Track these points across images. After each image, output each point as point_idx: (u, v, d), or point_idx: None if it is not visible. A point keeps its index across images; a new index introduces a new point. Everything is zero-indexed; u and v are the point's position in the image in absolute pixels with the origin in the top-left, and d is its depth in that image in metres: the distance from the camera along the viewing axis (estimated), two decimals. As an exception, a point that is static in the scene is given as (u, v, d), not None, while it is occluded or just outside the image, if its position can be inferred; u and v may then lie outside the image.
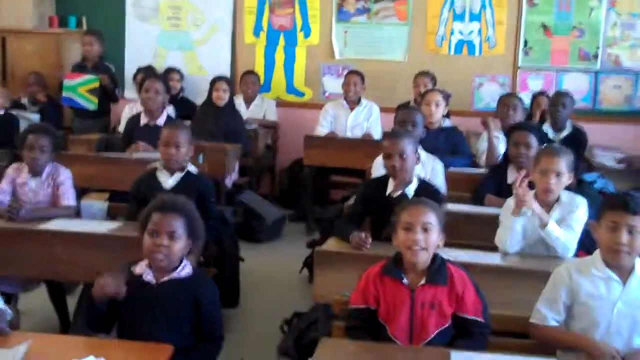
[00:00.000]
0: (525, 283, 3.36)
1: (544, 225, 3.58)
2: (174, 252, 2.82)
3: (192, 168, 4.31)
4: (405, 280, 2.83)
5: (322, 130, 6.67)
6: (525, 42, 7.24)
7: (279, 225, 6.36)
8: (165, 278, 2.85)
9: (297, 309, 4.27)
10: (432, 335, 2.79)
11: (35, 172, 4.23)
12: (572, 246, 3.61)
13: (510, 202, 3.77)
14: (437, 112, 5.61)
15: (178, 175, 4.23)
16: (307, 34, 7.60)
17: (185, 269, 2.88)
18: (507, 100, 5.99)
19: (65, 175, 4.28)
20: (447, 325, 2.81)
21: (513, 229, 3.64)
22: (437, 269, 2.83)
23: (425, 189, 3.93)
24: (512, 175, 4.47)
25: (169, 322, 2.80)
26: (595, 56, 7.17)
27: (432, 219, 2.83)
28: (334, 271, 3.59)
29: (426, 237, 2.80)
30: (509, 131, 4.71)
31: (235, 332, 4.26)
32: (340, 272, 3.53)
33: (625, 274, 2.80)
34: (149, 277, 2.85)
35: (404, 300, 2.81)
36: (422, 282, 2.82)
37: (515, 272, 3.49)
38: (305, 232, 6.24)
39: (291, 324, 4.19)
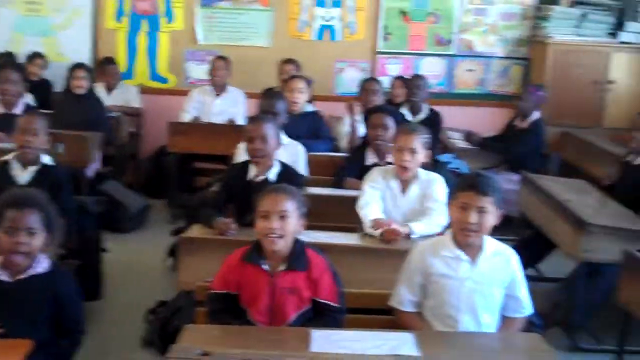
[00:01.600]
0: (383, 262, 3.51)
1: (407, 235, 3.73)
2: (34, 249, 2.78)
3: (46, 159, 4.22)
4: (265, 267, 2.88)
5: (186, 116, 6.64)
6: (385, 28, 7.43)
7: (143, 214, 6.29)
8: (21, 275, 2.80)
9: (163, 298, 4.27)
10: (292, 319, 2.86)
11: None
12: (442, 220, 3.72)
13: (375, 172, 3.96)
14: (300, 99, 5.72)
15: (32, 169, 4.13)
16: (170, 19, 7.51)
17: (42, 264, 2.84)
18: (367, 85, 6.18)
19: None
20: (305, 309, 2.88)
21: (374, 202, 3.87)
22: (297, 255, 2.90)
23: (287, 173, 4.02)
24: (371, 158, 4.63)
25: (27, 319, 2.76)
26: (450, 41, 7.47)
27: (289, 206, 2.87)
28: (198, 258, 3.61)
29: (283, 224, 2.84)
30: (368, 114, 4.85)
31: (98, 325, 4.20)
32: (204, 259, 3.55)
33: (474, 252, 2.94)
34: (2, 276, 2.79)
35: (263, 286, 2.86)
36: (282, 268, 2.88)
37: (373, 251, 3.63)
38: (170, 220, 6.20)
39: (155, 313, 4.19)
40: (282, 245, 2.87)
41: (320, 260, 2.93)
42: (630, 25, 7.00)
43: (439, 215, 3.76)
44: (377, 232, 3.72)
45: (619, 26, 7.05)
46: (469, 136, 6.48)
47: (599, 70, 7.02)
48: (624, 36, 7.02)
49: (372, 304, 3.16)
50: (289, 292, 2.86)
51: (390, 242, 3.66)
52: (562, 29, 7.04)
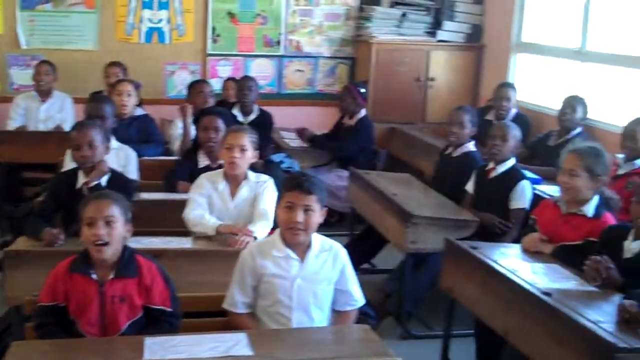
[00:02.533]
0: (216, 264, 3.55)
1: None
2: None
3: None
4: (93, 276, 2.85)
5: (12, 124, 6.40)
6: (214, 30, 7.46)
7: (-32, 228, 6.02)
8: None
9: (-7, 316, 4.11)
10: (124, 328, 2.85)
11: None
12: (271, 225, 3.83)
13: (202, 178, 3.97)
14: (129, 102, 5.65)
15: None
16: (-11, 23, 7.20)
17: None
18: (196, 87, 6.19)
19: None
20: (138, 317, 2.88)
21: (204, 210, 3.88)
22: (126, 262, 2.88)
23: (117, 180, 3.98)
24: (203, 161, 4.66)
25: None
26: (278, 42, 7.59)
27: (114, 212, 2.86)
28: (25, 271, 3.52)
29: (109, 230, 2.82)
30: (198, 116, 4.86)
31: None
32: (31, 272, 3.45)
33: (303, 251, 3.03)
34: None
35: (93, 296, 2.83)
36: (111, 276, 2.86)
37: (205, 254, 3.67)
38: (-2, 233, 5.96)
39: (-16, 331, 4.03)
40: (110, 253, 2.84)
41: (150, 266, 2.93)
42: (447, 25, 7.38)
43: (268, 219, 3.85)
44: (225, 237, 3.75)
45: (436, 25, 7.41)
46: (300, 133, 6.62)
47: (420, 68, 7.34)
48: (441, 35, 7.39)
49: (208, 307, 3.20)
50: (120, 300, 2.84)
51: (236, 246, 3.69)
52: (383, 29, 7.32)
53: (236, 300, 3.05)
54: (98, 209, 2.85)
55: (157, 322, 2.90)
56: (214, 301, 3.17)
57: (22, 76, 7.17)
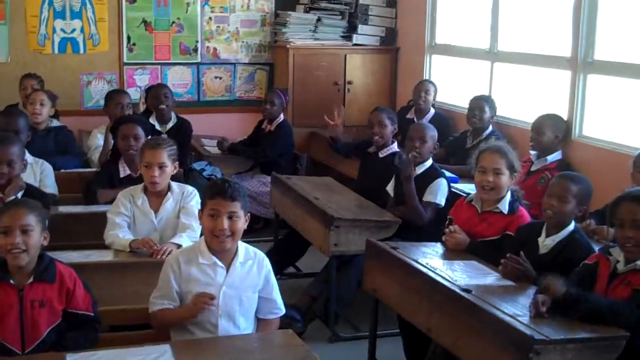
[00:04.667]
0: (138, 275, 3.52)
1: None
2: None
3: None
4: (12, 281, 2.83)
5: None
6: (129, 39, 7.38)
7: None
8: None
9: None
10: (45, 334, 2.83)
11: None
12: (197, 234, 3.81)
13: (120, 196, 3.92)
14: (42, 111, 5.56)
15: None
16: None
17: None
18: (115, 97, 6.11)
19: None
20: (58, 322, 2.86)
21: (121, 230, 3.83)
22: (45, 267, 2.87)
23: (32, 194, 3.91)
24: (123, 170, 4.61)
25: None
26: (196, 50, 7.55)
27: (31, 220, 2.85)
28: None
29: (26, 238, 2.81)
30: (116, 125, 4.81)
31: None
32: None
33: (229, 259, 3.03)
34: None
35: (12, 301, 2.81)
36: (30, 280, 2.84)
37: (127, 266, 3.63)
38: None
39: None
40: (27, 260, 2.83)
41: (70, 272, 2.93)
42: (362, 28, 7.46)
43: (194, 230, 3.83)
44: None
45: (352, 29, 7.49)
46: (220, 143, 6.60)
47: (337, 71, 7.41)
48: (357, 38, 7.47)
49: (131, 319, 3.19)
50: (40, 305, 2.82)
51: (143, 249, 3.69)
52: (300, 34, 7.35)
53: (160, 303, 3.03)
54: (14, 218, 2.83)
55: (78, 327, 2.90)
56: (137, 313, 3.16)
57: None
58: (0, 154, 3.90)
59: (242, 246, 3.09)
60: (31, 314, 2.82)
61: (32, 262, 2.86)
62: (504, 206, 3.84)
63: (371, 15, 7.49)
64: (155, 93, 6.37)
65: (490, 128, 5.70)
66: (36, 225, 2.86)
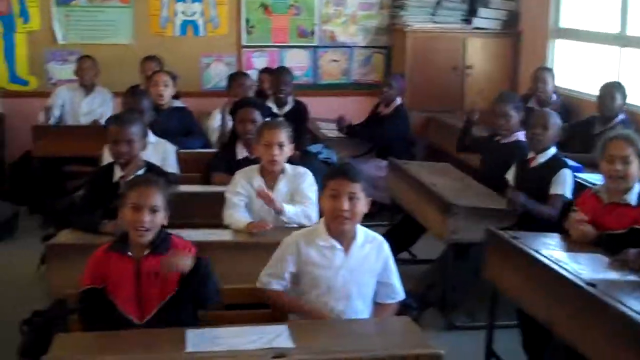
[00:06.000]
0: (257, 256, 3.52)
1: (279, 211, 3.78)
2: None
3: None
4: (129, 253, 2.91)
5: (44, 115, 6.42)
6: (247, 22, 7.45)
7: (11, 222, 6.09)
8: None
9: (38, 308, 4.16)
10: (160, 304, 2.89)
11: None
12: (313, 214, 3.84)
13: (237, 177, 3.95)
14: (166, 92, 5.68)
15: None
16: (26, 19, 7.26)
17: None
18: (237, 79, 6.21)
19: None
20: (173, 292, 2.90)
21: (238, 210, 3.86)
22: (161, 240, 2.94)
23: (153, 172, 3.99)
24: (241, 152, 4.66)
25: None
26: (313, 32, 7.56)
27: (159, 201, 2.91)
28: (69, 264, 3.54)
29: (153, 218, 2.88)
30: (235, 108, 4.85)
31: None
32: (74, 264, 3.42)
33: (347, 241, 3.01)
34: None
35: (129, 272, 2.89)
36: (146, 252, 2.91)
37: (246, 246, 3.67)
38: (40, 226, 6.03)
39: (30, 323, 4.07)
40: (150, 238, 2.91)
41: (185, 242, 2.99)
42: (483, 11, 7.30)
43: (308, 209, 3.84)
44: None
45: (472, 12, 7.33)
46: (339, 120, 6.59)
47: (456, 55, 7.27)
48: (477, 22, 7.31)
49: (248, 299, 3.21)
50: (154, 276, 2.88)
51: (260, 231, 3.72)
52: (418, 17, 7.26)
53: (269, 281, 3.06)
54: (145, 196, 2.90)
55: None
56: (253, 293, 3.17)
57: (59, 71, 7.25)
58: (121, 133, 3.98)
59: (361, 230, 3.06)
60: (146, 285, 2.89)
61: (149, 240, 2.92)
62: (633, 198, 3.66)
63: (492, -3, 7.32)
64: (277, 78, 6.42)
65: (621, 116, 5.45)
66: (162, 206, 2.92)
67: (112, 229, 3.63)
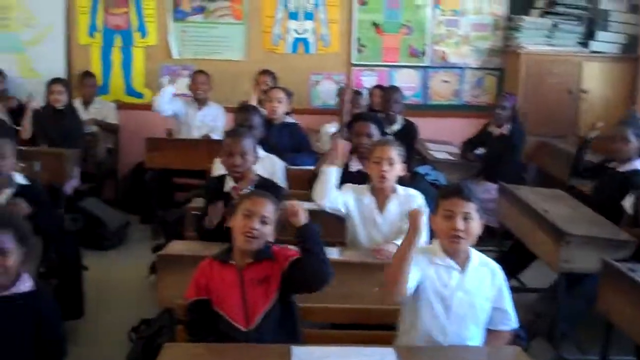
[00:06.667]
0: (362, 276, 3.51)
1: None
2: (8, 268, 2.75)
3: (20, 179, 4.20)
4: (232, 262, 2.94)
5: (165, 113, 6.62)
6: (358, 40, 7.46)
7: (123, 231, 6.27)
8: (4, 292, 2.77)
9: (146, 316, 4.24)
10: (264, 311, 2.89)
11: None
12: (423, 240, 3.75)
13: (348, 187, 4.01)
14: (280, 109, 5.74)
15: (8, 192, 4.10)
16: (143, 34, 7.50)
17: (25, 283, 2.81)
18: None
19: None
20: (272, 303, 2.89)
21: (326, 179, 3.93)
22: (264, 249, 2.95)
23: (265, 186, 4.03)
24: (355, 165, 4.65)
25: (8, 338, 2.72)
26: (423, 53, 7.51)
27: (270, 213, 2.94)
28: (178, 275, 3.56)
29: (263, 228, 2.91)
30: (351, 122, 4.88)
31: (80, 344, 4.16)
32: (183, 276, 3.47)
33: (462, 261, 2.94)
34: None
35: (233, 281, 2.91)
36: (249, 261, 2.92)
37: (353, 266, 3.63)
38: (150, 236, 6.17)
39: (138, 331, 4.16)
40: (256, 247, 2.93)
41: (287, 250, 2.99)
42: (601, 35, 7.10)
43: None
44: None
45: (589, 36, 7.14)
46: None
47: (571, 79, 7.09)
48: (594, 45, 7.11)
49: (355, 319, 3.17)
50: (258, 283, 2.90)
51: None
52: (533, 39, 7.11)
53: None
54: (258, 205, 2.94)
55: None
56: (361, 314, 3.13)
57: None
58: (234, 145, 4.03)
59: (476, 253, 2.99)
60: (252, 292, 2.90)
61: (256, 249, 2.94)
62: None
63: (611, 21, 7.12)
64: (388, 96, 6.42)
65: None
66: (272, 219, 2.95)
67: (215, 211, 3.74)
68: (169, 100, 6.55)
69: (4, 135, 4.51)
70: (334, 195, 4.00)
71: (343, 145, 4.01)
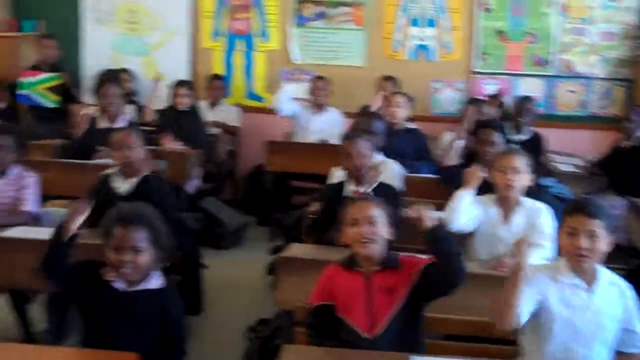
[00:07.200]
0: (484, 288, 3.42)
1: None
2: (139, 266, 2.81)
3: (147, 171, 4.31)
4: (359, 269, 2.92)
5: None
6: (481, 48, 7.34)
7: (241, 232, 6.37)
8: (136, 287, 2.84)
9: (262, 316, 4.28)
10: (389, 319, 2.86)
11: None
12: (550, 256, 3.64)
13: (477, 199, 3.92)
14: (400, 113, 5.74)
15: (133, 180, 4.22)
16: (265, 39, 7.61)
17: (156, 280, 2.88)
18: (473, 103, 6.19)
19: (31, 180, 4.29)
20: (401, 306, 2.87)
21: (457, 203, 3.84)
22: (390, 257, 2.95)
23: (384, 189, 4.03)
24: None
25: (135, 331, 2.79)
26: (548, 62, 7.31)
27: (375, 212, 2.93)
28: (297, 277, 3.61)
29: (372, 229, 2.89)
30: (476, 129, 4.85)
31: (199, 340, 4.25)
32: (302, 278, 3.52)
33: (589, 280, 2.82)
34: (118, 284, 2.84)
35: (359, 288, 2.90)
36: (376, 269, 2.91)
37: (474, 277, 3.53)
38: (268, 238, 6.24)
39: (256, 331, 4.21)
40: (375, 250, 2.91)
41: (411, 260, 2.96)
42: None
43: (546, 250, 3.65)
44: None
45: None
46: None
47: None
48: None
49: (472, 331, 3.11)
50: (385, 291, 2.89)
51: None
52: (667, 49, 6.83)
53: None
54: (360, 210, 2.94)
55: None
56: (478, 326, 3.07)
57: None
58: (354, 144, 4.12)
59: (604, 271, 2.86)
60: (378, 299, 2.88)
61: (379, 253, 2.92)
62: None
63: None
64: (520, 105, 6.39)
65: None
66: (381, 218, 2.93)
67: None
68: (288, 99, 6.63)
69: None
70: (463, 220, 3.88)
71: (478, 171, 3.92)
